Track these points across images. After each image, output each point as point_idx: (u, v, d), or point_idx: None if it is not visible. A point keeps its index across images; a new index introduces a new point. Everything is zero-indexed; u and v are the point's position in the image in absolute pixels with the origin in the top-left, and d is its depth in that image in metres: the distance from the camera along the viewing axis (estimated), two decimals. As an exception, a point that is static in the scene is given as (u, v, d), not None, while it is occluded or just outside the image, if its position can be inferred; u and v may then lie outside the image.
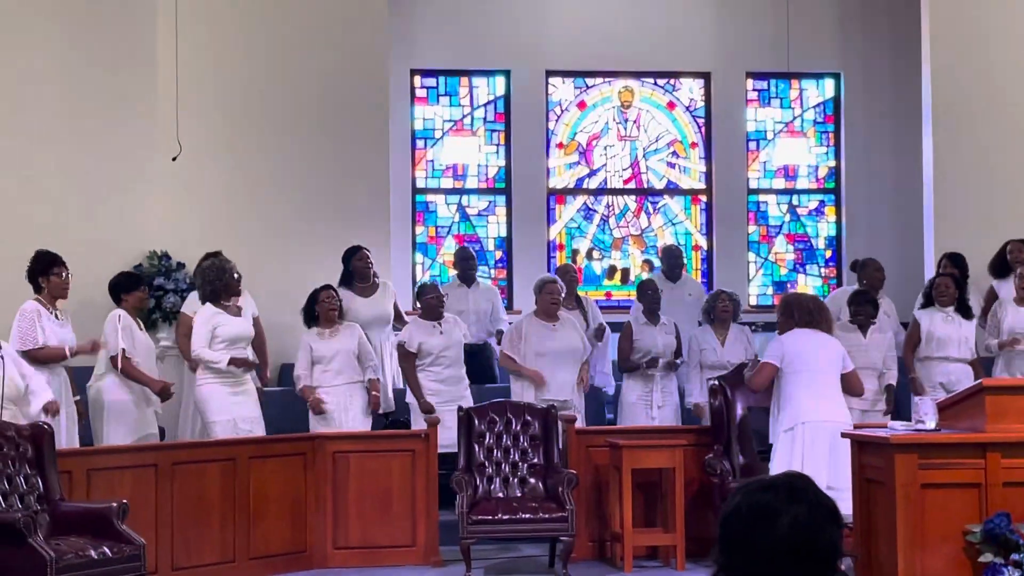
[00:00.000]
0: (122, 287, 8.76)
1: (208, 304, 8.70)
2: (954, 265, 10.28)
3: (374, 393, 9.09)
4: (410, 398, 9.34)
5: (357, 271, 9.90)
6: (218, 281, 8.72)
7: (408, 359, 9.33)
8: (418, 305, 9.71)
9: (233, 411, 8.52)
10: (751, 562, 2.36)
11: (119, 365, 8.38)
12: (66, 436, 8.00)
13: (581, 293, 10.91)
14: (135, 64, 10.50)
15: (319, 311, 9.10)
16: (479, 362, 10.16)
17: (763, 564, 2.35)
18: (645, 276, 11.88)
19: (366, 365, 9.14)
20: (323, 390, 9.00)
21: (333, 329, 9.10)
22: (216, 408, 8.50)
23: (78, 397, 8.42)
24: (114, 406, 8.46)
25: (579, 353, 9.42)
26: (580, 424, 9.12)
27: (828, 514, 2.39)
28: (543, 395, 9.19)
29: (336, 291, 9.24)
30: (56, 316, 8.24)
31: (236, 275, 8.82)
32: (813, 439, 7.29)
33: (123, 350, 8.39)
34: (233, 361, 8.48)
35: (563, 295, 9.57)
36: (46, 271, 8.29)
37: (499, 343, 10.07)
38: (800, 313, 7.66)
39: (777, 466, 7.34)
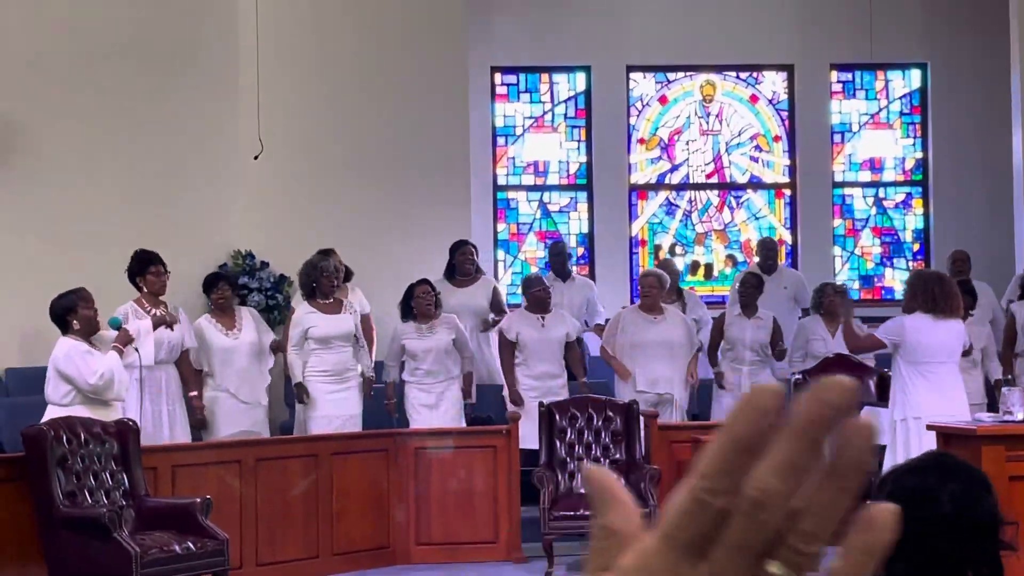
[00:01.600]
0: (204, 285, 8.93)
1: (304, 303, 8.82)
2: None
3: (465, 387, 9.13)
4: (505, 391, 9.32)
5: (458, 265, 9.99)
6: (308, 278, 8.82)
7: (507, 348, 9.32)
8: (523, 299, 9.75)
9: (335, 408, 8.63)
10: (916, 547, 2.30)
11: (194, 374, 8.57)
12: (170, 431, 8.17)
13: (683, 288, 10.84)
14: (217, 63, 10.61)
15: (415, 306, 9.09)
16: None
17: (928, 546, 2.31)
18: (728, 271, 11.80)
19: (464, 356, 9.17)
20: (415, 386, 9.05)
21: (429, 325, 9.09)
22: (318, 404, 8.63)
23: (195, 392, 8.53)
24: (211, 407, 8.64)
25: (681, 347, 9.32)
26: (680, 418, 9.07)
27: (982, 484, 2.40)
28: (640, 388, 9.13)
29: (432, 285, 9.23)
30: (155, 314, 8.34)
31: (333, 272, 8.89)
32: (926, 434, 7.08)
33: (187, 349, 8.56)
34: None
35: (663, 289, 9.49)
36: (143, 270, 8.42)
37: (599, 336, 10.09)
38: (924, 296, 7.37)
39: (892, 456, 7.19)
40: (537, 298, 9.39)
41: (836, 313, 9.51)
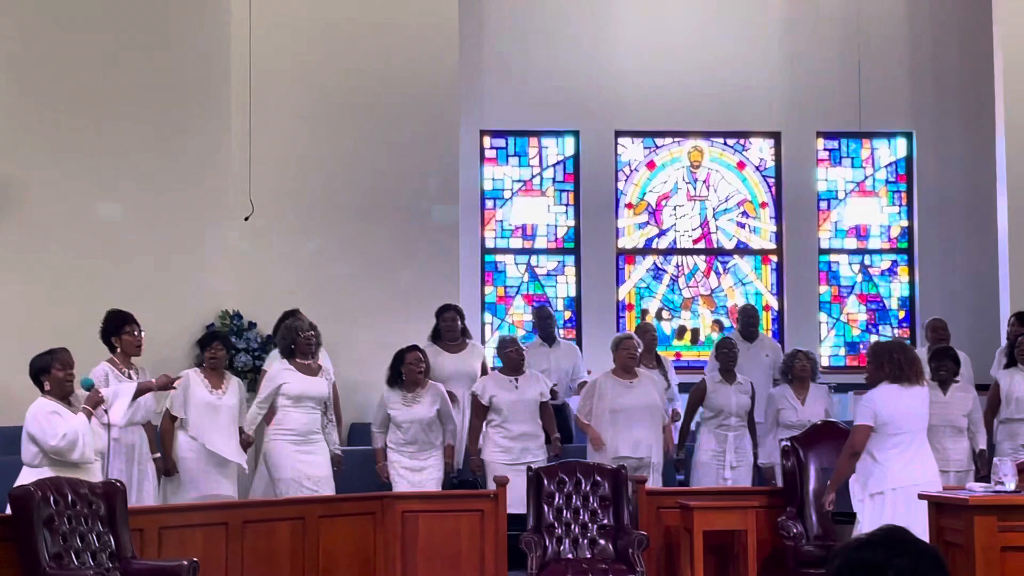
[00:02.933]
0: (200, 345, 8.94)
1: (283, 360, 8.78)
2: (1021, 324, 10.10)
3: (447, 460, 9.09)
4: (485, 455, 9.27)
5: (443, 330, 9.96)
6: (287, 339, 8.80)
7: (478, 412, 9.31)
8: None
9: (300, 469, 8.55)
10: None
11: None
12: (137, 493, 8.09)
13: (660, 353, 10.86)
14: (209, 126, 10.66)
15: (405, 373, 9.02)
16: (559, 421, 10.11)
17: None
18: (715, 336, 11.83)
19: (446, 428, 9.12)
20: (397, 452, 9.01)
21: (416, 393, 9.04)
22: (283, 464, 8.55)
23: (158, 455, 8.49)
24: (183, 463, 8.57)
25: (657, 411, 9.33)
26: (657, 483, 9.06)
27: (932, 561, 2.40)
28: (622, 453, 9.12)
29: (422, 352, 9.19)
30: (129, 376, 8.31)
31: (310, 334, 8.86)
32: (905, 505, 7.06)
33: (167, 410, 8.54)
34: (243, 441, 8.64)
35: (640, 351, 9.52)
36: (118, 330, 8.39)
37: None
38: (891, 366, 7.35)
39: (866, 528, 7.16)
40: (509, 359, 9.39)
41: (806, 379, 9.54)
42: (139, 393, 7.97)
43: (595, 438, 9.22)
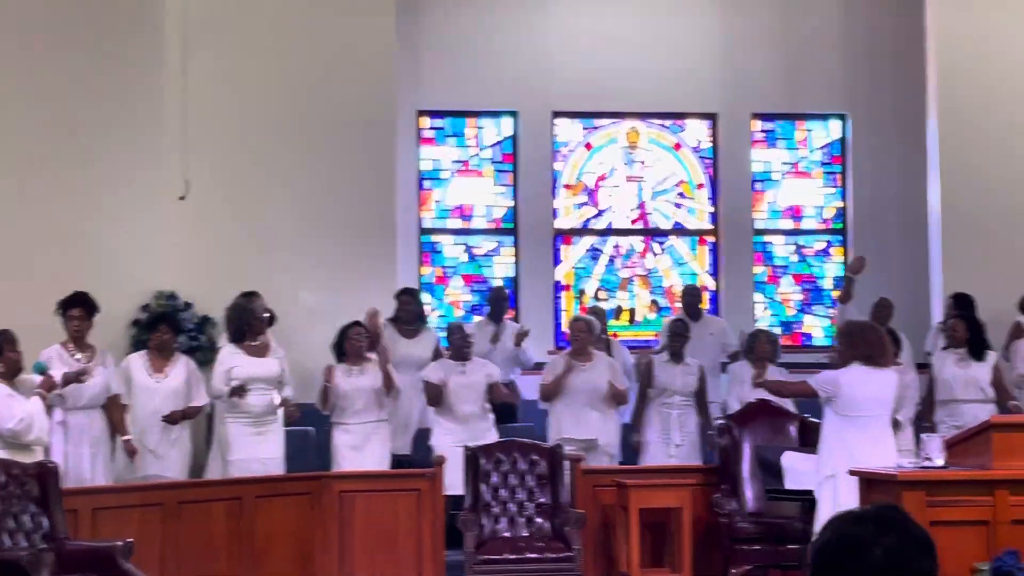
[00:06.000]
0: (146, 327, 8.91)
1: (230, 344, 8.78)
2: (959, 306, 10.26)
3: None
4: (432, 439, 9.30)
5: (400, 312, 10.01)
6: (239, 320, 8.79)
7: (432, 394, 9.32)
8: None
9: (252, 451, 8.55)
10: None
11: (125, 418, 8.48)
12: (91, 474, 8.09)
13: (609, 335, 10.92)
14: (142, 104, 10.55)
15: (347, 347, 9.09)
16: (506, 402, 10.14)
17: None
18: (652, 316, 11.91)
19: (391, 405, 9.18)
20: (341, 428, 9.01)
21: (360, 367, 9.08)
22: (236, 447, 8.55)
23: (127, 437, 8.42)
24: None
25: (608, 394, 9.37)
26: (608, 463, 9.14)
27: (920, 545, 2.39)
28: (569, 435, 9.17)
29: (365, 328, 9.21)
30: (79, 358, 8.27)
31: (259, 315, 8.88)
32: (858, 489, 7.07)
33: (115, 393, 8.47)
34: (234, 391, 8.51)
35: (592, 334, 9.55)
36: (64, 313, 8.37)
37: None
38: (864, 347, 7.33)
39: (824, 514, 7.17)
40: (456, 346, 9.43)
41: (766, 360, 9.62)
42: (65, 384, 7.96)
43: (563, 379, 9.24)
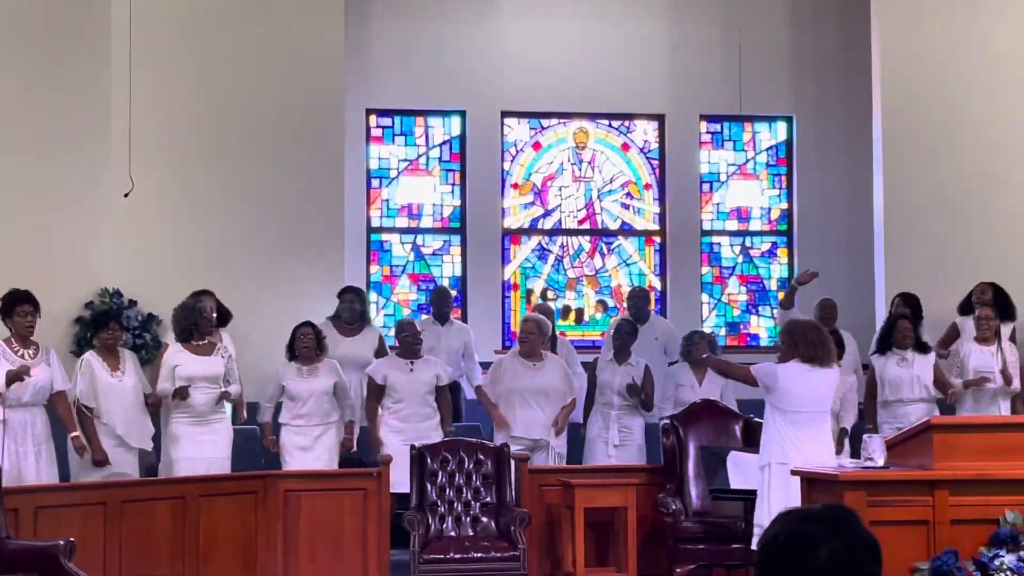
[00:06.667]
0: (92, 325, 8.78)
1: (176, 343, 8.74)
2: (907, 305, 10.36)
3: (347, 436, 9.09)
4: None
5: (341, 311, 9.97)
6: (186, 320, 8.74)
7: (373, 392, 9.31)
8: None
9: (198, 450, 8.52)
10: None
11: (73, 414, 8.39)
12: (36, 473, 8.01)
13: (557, 334, 10.93)
14: (87, 101, 10.46)
15: (297, 348, 9.06)
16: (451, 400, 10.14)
17: None
18: (599, 316, 11.95)
19: (343, 404, 9.13)
20: (292, 429, 8.98)
21: (312, 367, 9.05)
22: (181, 445, 8.51)
23: (75, 433, 8.37)
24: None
25: (558, 394, 9.39)
26: (555, 463, 9.14)
27: (868, 549, 2.38)
28: (516, 434, 9.18)
29: (315, 328, 9.17)
30: (23, 355, 8.21)
31: (207, 315, 8.85)
32: (788, 481, 7.15)
33: (76, 400, 8.39)
34: (176, 393, 8.47)
35: (542, 335, 9.55)
36: (10, 311, 8.30)
37: (471, 381, 10.28)
38: (805, 346, 7.42)
39: (761, 501, 7.26)
40: (405, 343, 9.41)
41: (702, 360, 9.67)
42: (8, 383, 7.91)
43: (499, 419, 9.28)
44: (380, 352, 9.99)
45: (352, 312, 9.98)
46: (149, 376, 9.04)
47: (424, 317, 11.22)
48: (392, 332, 10.46)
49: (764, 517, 7.09)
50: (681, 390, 9.60)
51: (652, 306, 11.92)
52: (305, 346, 9.02)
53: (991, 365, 9.62)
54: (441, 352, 10.20)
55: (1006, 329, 10.10)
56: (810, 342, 7.40)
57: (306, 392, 8.95)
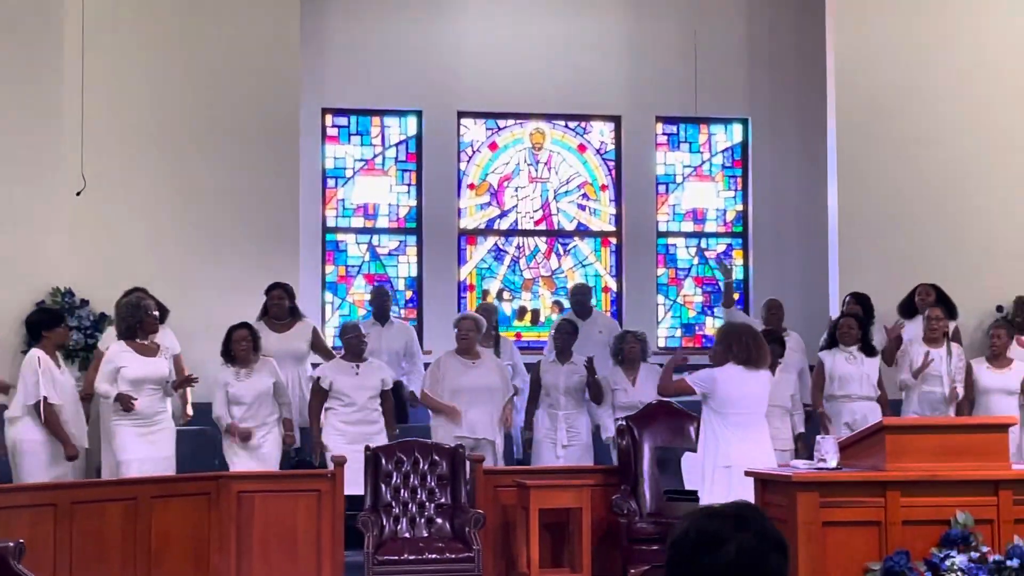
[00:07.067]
0: (43, 324, 8.67)
1: (120, 342, 8.62)
2: (857, 303, 10.45)
3: (287, 432, 9.06)
4: (324, 439, 9.25)
5: (270, 308, 9.91)
6: (131, 318, 8.64)
7: (317, 395, 9.28)
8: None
9: (144, 451, 8.44)
10: None
11: (42, 415, 8.29)
12: None
13: (501, 334, 10.93)
14: (40, 100, 10.37)
15: (234, 350, 9.00)
16: (395, 401, 10.11)
17: None
18: (556, 317, 11.95)
19: (281, 402, 9.09)
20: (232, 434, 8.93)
21: (248, 368, 9.00)
22: (126, 446, 8.43)
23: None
24: (28, 446, 8.38)
25: (499, 391, 9.40)
26: (499, 463, 9.14)
27: (774, 543, 2.42)
28: (458, 433, 9.17)
29: (251, 329, 9.13)
30: None
31: (153, 312, 8.77)
32: (741, 483, 7.20)
33: (44, 398, 8.30)
34: (118, 398, 8.39)
35: (479, 332, 9.57)
36: None
37: (410, 384, 10.18)
38: (739, 348, 7.50)
39: (705, 503, 7.30)
40: (350, 344, 9.40)
41: (636, 360, 9.72)
42: None
43: (449, 410, 9.26)
44: (316, 344, 9.96)
45: (281, 308, 9.91)
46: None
47: (366, 319, 11.14)
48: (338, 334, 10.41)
49: None
50: (615, 393, 9.65)
51: (607, 305, 11.93)
52: (243, 349, 8.97)
53: (939, 367, 9.70)
54: (383, 353, 10.16)
55: (950, 329, 10.20)
56: (745, 344, 7.49)
57: (247, 394, 8.92)
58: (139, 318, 8.65)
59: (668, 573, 2.45)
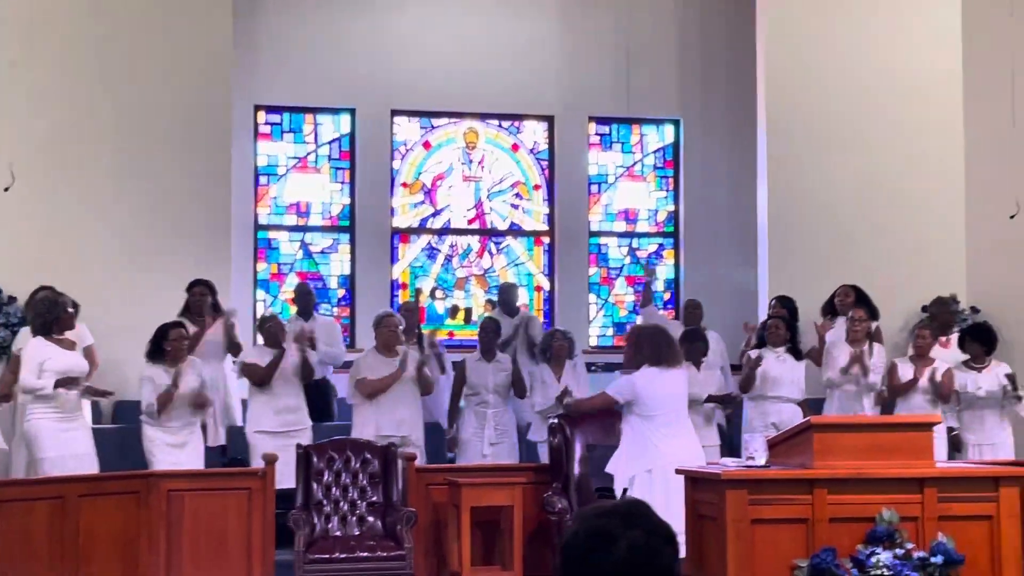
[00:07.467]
0: None
1: (39, 338, 8.51)
2: (783, 307, 10.56)
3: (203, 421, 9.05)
4: (251, 438, 9.22)
5: (192, 304, 9.85)
6: (49, 314, 8.54)
7: (253, 371, 9.30)
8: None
9: (64, 447, 8.33)
10: None
11: None
12: None
13: (425, 331, 10.94)
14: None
15: (169, 348, 8.88)
16: (319, 398, 10.09)
17: None
18: (487, 315, 11.95)
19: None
20: (160, 428, 8.84)
21: (177, 368, 8.89)
22: (46, 444, 8.32)
23: None
24: None
25: (418, 388, 9.41)
26: (420, 461, 9.12)
27: (664, 538, 2.44)
28: (382, 431, 9.16)
29: (186, 328, 9.06)
30: None
31: (69, 308, 8.66)
32: (667, 481, 7.22)
33: None
34: (60, 383, 8.29)
35: (401, 329, 9.59)
36: None
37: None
38: (650, 348, 7.53)
39: None
40: (270, 334, 9.40)
41: (563, 358, 9.78)
42: None
43: (396, 374, 9.23)
44: (231, 342, 9.90)
45: (203, 304, 9.85)
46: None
47: (292, 317, 11.09)
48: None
49: None
50: (548, 389, 9.69)
51: (540, 306, 11.98)
52: (180, 348, 8.85)
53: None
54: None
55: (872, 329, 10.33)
56: (656, 344, 7.53)
57: (184, 392, 8.84)
58: (56, 314, 8.55)
59: (562, 574, 2.47)
